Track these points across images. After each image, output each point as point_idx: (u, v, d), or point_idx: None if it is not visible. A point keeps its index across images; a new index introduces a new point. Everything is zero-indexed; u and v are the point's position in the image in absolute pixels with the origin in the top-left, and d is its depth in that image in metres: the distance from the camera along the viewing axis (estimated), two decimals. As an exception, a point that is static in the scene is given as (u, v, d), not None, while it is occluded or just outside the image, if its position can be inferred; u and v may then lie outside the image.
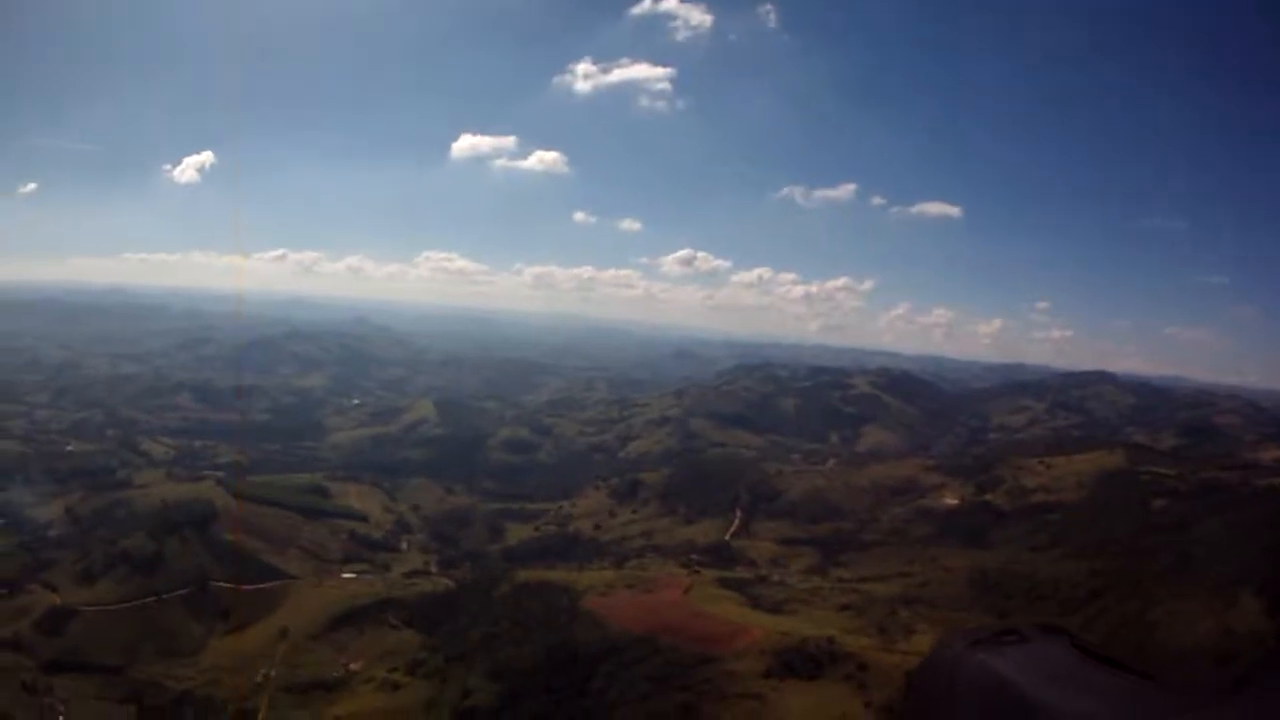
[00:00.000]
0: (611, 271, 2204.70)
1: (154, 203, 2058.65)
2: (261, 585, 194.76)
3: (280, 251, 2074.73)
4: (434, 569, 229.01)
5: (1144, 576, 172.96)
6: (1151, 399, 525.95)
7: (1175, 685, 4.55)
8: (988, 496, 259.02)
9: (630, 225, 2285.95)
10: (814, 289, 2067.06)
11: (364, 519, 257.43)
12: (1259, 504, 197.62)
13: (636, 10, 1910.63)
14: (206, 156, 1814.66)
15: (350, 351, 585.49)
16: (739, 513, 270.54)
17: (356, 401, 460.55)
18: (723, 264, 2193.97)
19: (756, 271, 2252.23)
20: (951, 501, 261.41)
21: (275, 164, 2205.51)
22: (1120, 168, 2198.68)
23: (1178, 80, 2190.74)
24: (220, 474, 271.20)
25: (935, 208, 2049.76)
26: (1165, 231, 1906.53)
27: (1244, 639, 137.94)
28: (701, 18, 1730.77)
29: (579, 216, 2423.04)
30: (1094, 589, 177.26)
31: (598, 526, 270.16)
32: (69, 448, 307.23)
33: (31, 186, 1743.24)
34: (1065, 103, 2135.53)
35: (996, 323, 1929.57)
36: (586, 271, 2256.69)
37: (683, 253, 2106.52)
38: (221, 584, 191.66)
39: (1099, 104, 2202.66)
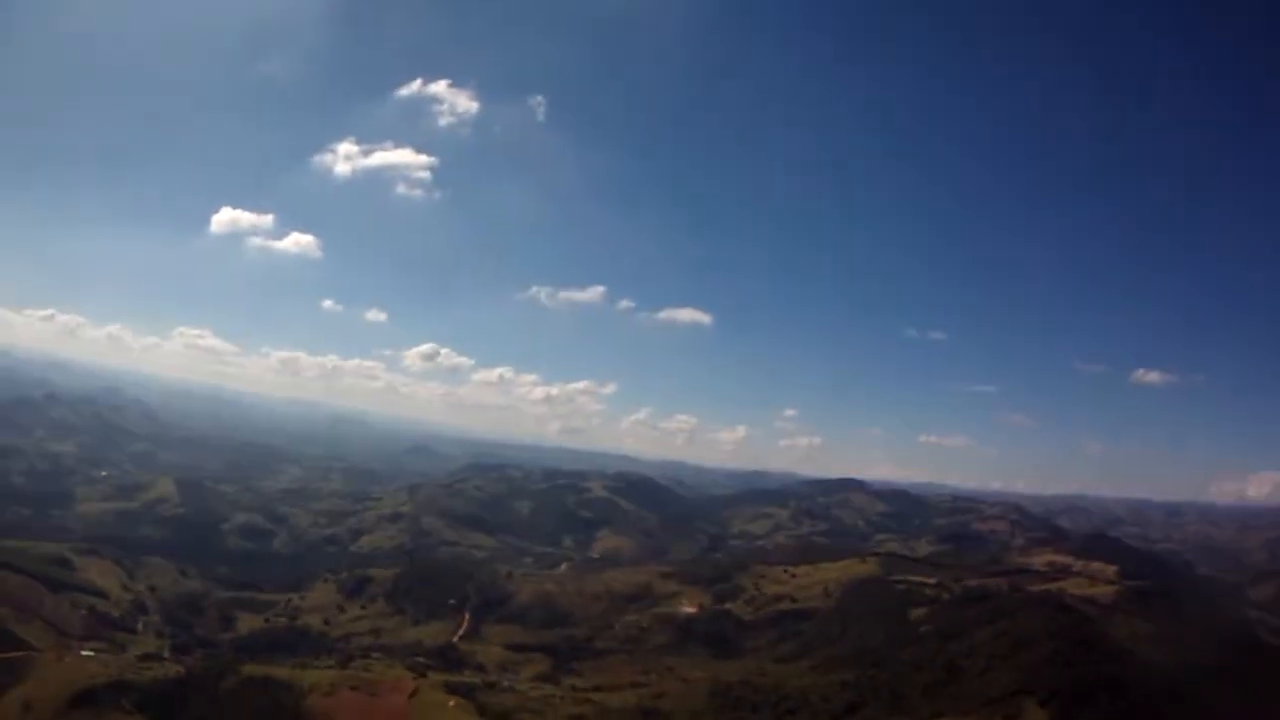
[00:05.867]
0: (355, 361, 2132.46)
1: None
2: (7, 655, 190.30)
3: (49, 311, 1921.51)
4: (167, 654, 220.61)
5: (907, 690, 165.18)
6: (906, 506, 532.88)
7: None
8: (728, 605, 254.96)
9: (376, 315, 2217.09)
10: (555, 391, 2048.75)
11: (104, 596, 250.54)
12: (1035, 609, 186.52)
13: (404, 92, 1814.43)
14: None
15: (103, 421, 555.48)
16: (467, 615, 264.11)
17: (104, 473, 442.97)
18: (465, 361, 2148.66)
19: (498, 370, 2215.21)
20: (689, 609, 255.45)
21: (47, 223, 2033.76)
22: (878, 282, 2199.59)
23: (938, 194, 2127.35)
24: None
25: (686, 313, 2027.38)
26: (922, 342, 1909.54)
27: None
28: (468, 105, 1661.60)
29: (327, 304, 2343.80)
30: (849, 702, 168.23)
31: (327, 622, 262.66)
32: None
33: None
34: (818, 217, 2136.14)
35: (741, 430, 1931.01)
36: (331, 360, 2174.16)
37: (425, 347, 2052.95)
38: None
39: (853, 222, 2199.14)
